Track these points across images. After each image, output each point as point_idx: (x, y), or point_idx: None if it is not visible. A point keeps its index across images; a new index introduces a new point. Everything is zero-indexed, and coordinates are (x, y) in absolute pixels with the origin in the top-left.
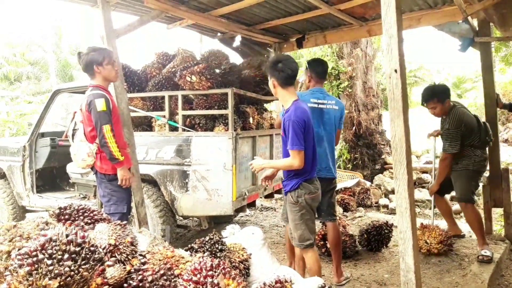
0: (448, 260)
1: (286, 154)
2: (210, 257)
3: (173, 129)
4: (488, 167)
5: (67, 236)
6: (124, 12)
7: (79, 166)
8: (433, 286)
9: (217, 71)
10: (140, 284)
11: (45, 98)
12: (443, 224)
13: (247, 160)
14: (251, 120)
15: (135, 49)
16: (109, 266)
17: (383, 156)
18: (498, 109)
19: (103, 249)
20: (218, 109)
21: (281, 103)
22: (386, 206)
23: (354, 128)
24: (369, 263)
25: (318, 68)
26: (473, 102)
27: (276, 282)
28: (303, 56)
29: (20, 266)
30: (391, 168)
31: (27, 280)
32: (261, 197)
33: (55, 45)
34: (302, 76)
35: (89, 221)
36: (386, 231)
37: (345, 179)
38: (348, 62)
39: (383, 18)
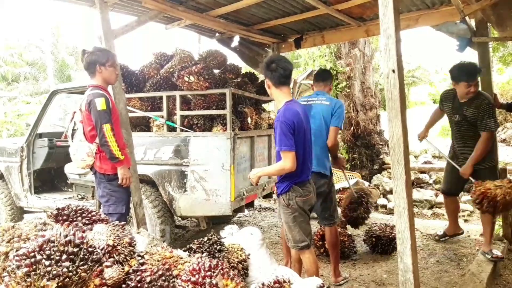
0: (446, 260)
1: (279, 157)
2: (208, 258)
3: (171, 129)
4: None
5: (65, 237)
6: (122, 13)
7: (79, 166)
8: (432, 286)
9: (215, 71)
10: (139, 285)
11: (43, 99)
12: (439, 224)
13: (245, 160)
14: (249, 120)
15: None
16: (107, 267)
17: (381, 156)
18: (496, 109)
19: (101, 250)
20: (216, 109)
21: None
22: (384, 206)
23: (352, 128)
24: (367, 263)
25: (315, 76)
26: None
27: (274, 282)
28: (301, 56)
29: (18, 267)
30: (390, 168)
31: (25, 281)
32: (259, 198)
33: (53, 45)
34: (299, 76)
35: (87, 222)
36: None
37: (343, 179)
38: (346, 62)
39: (381, 19)
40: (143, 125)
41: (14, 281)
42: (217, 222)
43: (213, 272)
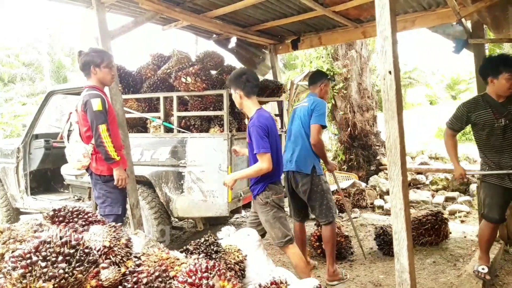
0: (443, 260)
1: (254, 160)
2: (205, 259)
3: (168, 130)
4: None
5: (61, 238)
6: (119, 14)
7: (75, 167)
8: (428, 287)
9: (213, 72)
10: (135, 286)
11: (39, 100)
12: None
13: (242, 161)
14: (246, 121)
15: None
16: (103, 268)
17: (378, 157)
18: None
19: (98, 251)
20: (213, 110)
21: (246, 112)
22: (381, 207)
23: (349, 129)
24: (364, 264)
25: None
26: None
27: (271, 283)
28: (298, 57)
29: (14, 268)
30: (386, 169)
31: (21, 282)
32: None
33: (49, 46)
34: (296, 77)
35: (84, 223)
36: None
37: (340, 180)
38: (343, 64)
39: (377, 20)
40: (140, 126)
41: (9, 282)
42: (214, 223)
43: (210, 273)
